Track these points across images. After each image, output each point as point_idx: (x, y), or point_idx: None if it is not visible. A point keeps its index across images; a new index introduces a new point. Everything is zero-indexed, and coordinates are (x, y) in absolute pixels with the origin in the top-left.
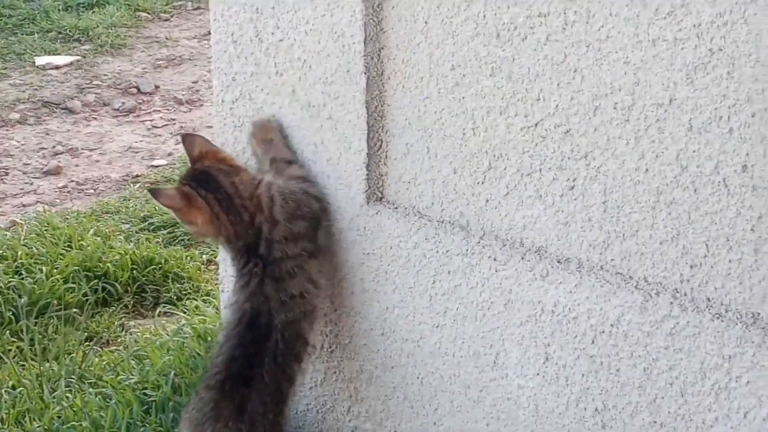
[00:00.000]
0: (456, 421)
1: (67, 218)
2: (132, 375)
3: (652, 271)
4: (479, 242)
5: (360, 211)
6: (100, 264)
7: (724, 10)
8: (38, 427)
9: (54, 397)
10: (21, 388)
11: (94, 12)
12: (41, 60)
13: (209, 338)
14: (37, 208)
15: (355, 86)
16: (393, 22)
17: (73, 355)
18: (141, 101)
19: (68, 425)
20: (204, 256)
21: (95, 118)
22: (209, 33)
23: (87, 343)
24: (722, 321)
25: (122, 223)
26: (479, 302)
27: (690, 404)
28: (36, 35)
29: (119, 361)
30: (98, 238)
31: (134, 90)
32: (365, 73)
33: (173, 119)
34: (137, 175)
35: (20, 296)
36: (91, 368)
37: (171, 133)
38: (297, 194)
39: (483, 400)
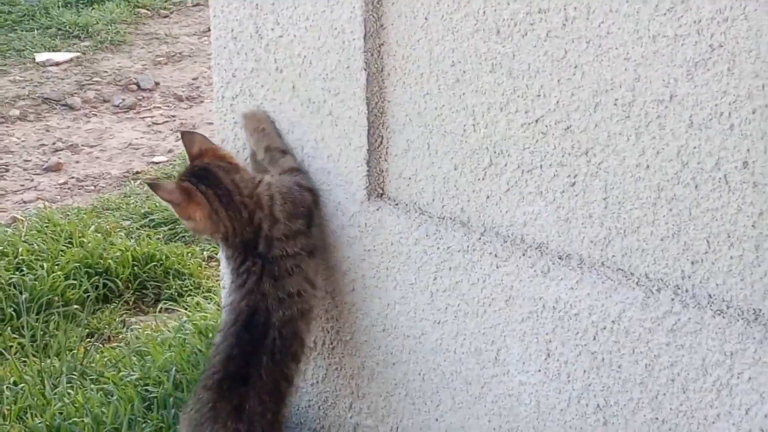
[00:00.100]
0: (457, 418)
1: (67, 215)
2: (133, 371)
3: (654, 268)
4: (480, 238)
5: (361, 208)
6: (101, 260)
7: (725, 6)
8: (40, 423)
9: (55, 394)
10: (22, 385)
11: (93, 8)
12: (41, 56)
13: (210, 335)
14: (38, 204)
15: (356, 82)
16: (393, 19)
17: (75, 351)
18: (141, 98)
19: (70, 421)
20: (205, 253)
21: (95, 115)
22: (209, 29)
23: (88, 340)
24: (724, 317)
25: (123, 219)
26: (480, 299)
27: (692, 401)
28: (36, 32)
29: (120, 357)
30: (99, 235)
31: (134, 87)
32: (365, 69)
33: (173, 116)
34: (138, 172)
35: (21, 293)
36: (93, 364)
37: (171, 130)
38: (294, 192)
39: (484, 397)
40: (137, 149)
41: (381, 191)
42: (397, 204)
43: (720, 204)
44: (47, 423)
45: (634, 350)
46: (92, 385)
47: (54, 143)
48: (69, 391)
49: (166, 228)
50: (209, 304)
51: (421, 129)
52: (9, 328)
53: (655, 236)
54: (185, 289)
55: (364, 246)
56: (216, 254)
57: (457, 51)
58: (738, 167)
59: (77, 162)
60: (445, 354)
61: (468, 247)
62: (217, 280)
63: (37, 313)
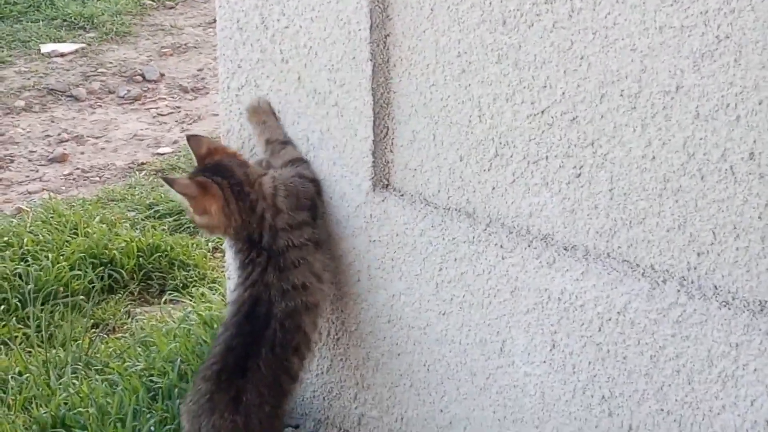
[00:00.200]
0: (462, 408)
1: (72, 205)
2: (138, 362)
3: (659, 259)
4: (486, 229)
5: (366, 199)
6: (106, 251)
7: None
8: (45, 413)
9: (60, 384)
10: (27, 375)
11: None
12: (46, 47)
13: (215, 325)
14: (43, 195)
15: (361, 73)
16: (399, 9)
17: (80, 341)
18: (146, 89)
19: (75, 411)
20: (210, 244)
21: (100, 106)
22: (214, 21)
23: (93, 330)
24: (729, 309)
25: (128, 210)
26: (486, 289)
27: (697, 392)
28: (41, 23)
29: (125, 347)
30: (104, 226)
31: (139, 78)
32: (371, 60)
33: (178, 107)
34: (143, 163)
35: (26, 283)
36: (98, 355)
37: (176, 121)
38: (296, 184)
39: (489, 388)
40: (142, 140)
41: (386, 182)
42: (402, 195)
43: (726, 195)
44: (52, 413)
45: (639, 341)
46: (97, 376)
47: (59, 134)
48: (74, 381)
49: (171, 219)
50: (214, 295)
51: (426, 120)
52: (14, 318)
53: (660, 227)
54: (190, 279)
55: (370, 237)
56: (221, 245)
57: (463, 42)
58: (744, 158)
59: (82, 153)
60: (450, 345)
61: (473, 238)
62: (222, 271)
63: (42, 304)
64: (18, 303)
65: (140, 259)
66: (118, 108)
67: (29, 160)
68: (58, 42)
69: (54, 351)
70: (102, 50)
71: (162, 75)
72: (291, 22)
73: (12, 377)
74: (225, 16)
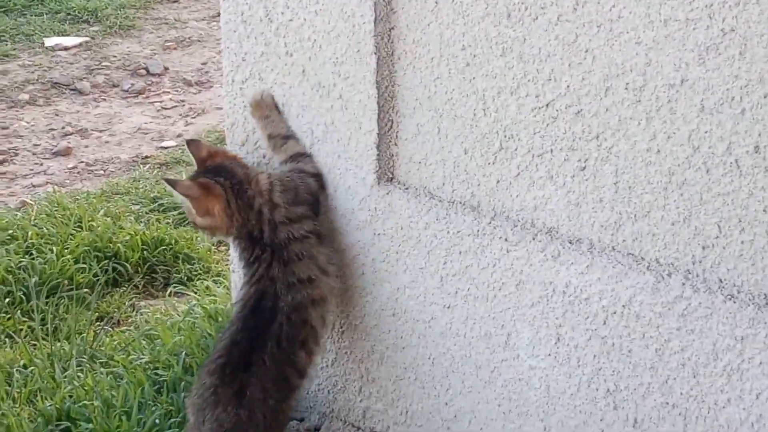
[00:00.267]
0: (467, 402)
1: (77, 199)
2: (143, 355)
3: (664, 252)
4: (490, 223)
5: (371, 192)
6: (111, 244)
7: None
8: (50, 406)
9: (65, 377)
10: (32, 368)
11: None
12: (50, 41)
13: (220, 318)
14: (47, 188)
15: (366, 66)
16: (403, 2)
17: (84, 334)
18: (150, 82)
19: (80, 404)
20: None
21: (104, 99)
22: (218, 14)
23: (98, 323)
24: (734, 302)
25: (132, 203)
26: (490, 283)
27: (702, 385)
28: (45, 16)
29: (130, 341)
30: (108, 219)
31: (143, 71)
32: (375, 53)
33: (182, 100)
34: (147, 156)
35: (31, 276)
36: (102, 348)
37: (180, 115)
38: (294, 179)
39: (494, 381)
40: (146, 134)
41: (391, 175)
42: (407, 188)
43: (731, 189)
44: (57, 406)
45: (644, 335)
46: (102, 369)
47: (63, 128)
48: (79, 374)
49: (175, 212)
50: (219, 288)
51: (431, 113)
52: (19, 311)
53: (665, 221)
54: (195, 273)
55: (374, 230)
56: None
57: (468, 35)
58: (749, 152)
59: (86, 146)
60: (455, 338)
61: (478, 231)
62: (226, 265)
63: (47, 297)
64: (23, 296)
65: (145, 252)
66: (122, 101)
67: (33, 154)
68: (62, 35)
69: (59, 344)
70: (106, 44)
71: (166, 68)
72: (295, 15)
73: (17, 370)
74: (229, 9)
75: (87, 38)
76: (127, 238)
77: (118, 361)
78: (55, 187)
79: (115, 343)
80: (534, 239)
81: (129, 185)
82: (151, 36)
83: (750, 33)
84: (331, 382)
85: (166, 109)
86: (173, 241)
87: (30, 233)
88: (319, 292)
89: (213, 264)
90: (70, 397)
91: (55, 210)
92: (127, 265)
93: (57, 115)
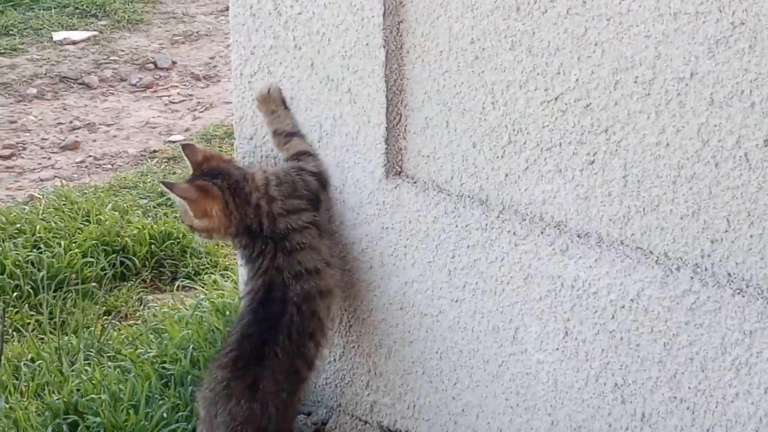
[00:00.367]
0: (475, 396)
1: (85, 193)
2: (150, 349)
3: (673, 246)
4: (499, 216)
5: (379, 186)
6: (118, 238)
7: None
8: (57, 399)
9: (73, 371)
10: (40, 361)
11: None
12: (58, 35)
13: (227, 312)
14: (55, 182)
15: (374, 60)
16: None
17: (92, 328)
18: (158, 77)
19: (87, 398)
20: None
21: (112, 94)
22: (226, 8)
23: (105, 317)
24: (743, 296)
25: (140, 197)
26: (498, 277)
27: (710, 379)
28: (53, 10)
29: (138, 334)
30: (116, 213)
31: (151, 65)
32: (384, 46)
33: (190, 95)
34: (155, 150)
35: (39, 270)
36: (110, 342)
37: (188, 109)
38: (292, 176)
39: (502, 375)
40: (154, 128)
41: (399, 169)
42: (415, 182)
43: (740, 182)
44: (65, 399)
45: (652, 329)
46: (109, 363)
47: (71, 122)
48: (86, 368)
49: None
50: (226, 282)
51: (440, 107)
52: (26, 305)
53: (674, 215)
54: (202, 267)
55: (382, 224)
56: None
57: (477, 28)
58: (759, 145)
59: (94, 141)
60: (462, 332)
61: (486, 225)
62: (233, 259)
63: (55, 291)
64: (30, 290)
65: (152, 246)
66: (130, 96)
67: (41, 148)
68: (70, 30)
69: (66, 338)
70: (114, 38)
71: (174, 63)
72: (304, 9)
73: (25, 364)
74: (238, 2)
75: (95, 32)
76: (135, 232)
77: (126, 355)
78: (63, 181)
79: (123, 337)
80: (542, 233)
81: (137, 179)
82: (159, 30)
83: (760, 26)
84: (339, 376)
85: (174, 103)
86: (181, 235)
87: (38, 227)
88: (325, 284)
89: (220, 258)
90: (78, 390)
91: (63, 204)
92: (135, 259)
93: (65, 109)
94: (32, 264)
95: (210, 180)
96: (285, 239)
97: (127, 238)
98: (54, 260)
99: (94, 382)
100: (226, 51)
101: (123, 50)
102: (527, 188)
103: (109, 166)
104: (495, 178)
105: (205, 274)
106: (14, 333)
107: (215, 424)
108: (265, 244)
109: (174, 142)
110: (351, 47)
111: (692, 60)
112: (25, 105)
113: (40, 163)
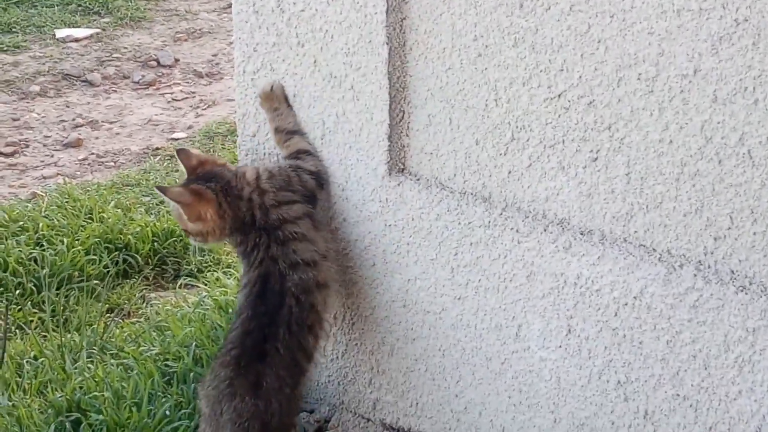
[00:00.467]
0: (478, 393)
1: (87, 190)
2: (153, 346)
3: (676, 244)
4: (502, 214)
5: (382, 183)
6: (121, 236)
7: None
8: (60, 397)
9: (75, 368)
10: (43, 359)
11: None
12: (61, 33)
13: (230, 310)
14: (58, 180)
15: (377, 57)
16: None
17: (95, 326)
18: (161, 74)
19: (90, 395)
20: None
21: (115, 91)
22: (229, 6)
23: (108, 315)
24: (746, 294)
25: (143, 195)
26: (501, 274)
27: (713, 377)
28: (56, 8)
29: (140, 332)
30: (119, 210)
31: (154, 63)
32: (387, 43)
33: (193, 92)
34: (157, 148)
35: (42, 267)
36: (113, 339)
37: (191, 106)
38: (286, 172)
39: (505, 373)
40: (157, 125)
41: (402, 166)
42: (418, 179)
43: (743, 179)
44: (67, 397)
45: (655, 326)
46: (112, 360)
47: (74, 119)
48: (89, 365)
49: None
50: (229, 279)
51: (443, 104)
52: (29, 302)
53: (677, 212)
54: (205, 264)
55: (385, 221)
56: None
57: (480, 25)
58: (762, 142)
59: (97, 138)
60: (465, 330)
61: (489, 222)
62: (236, 256)
63: (58, 288)
64: (33, 287)
65: (155, 243)
66: (132, 93)
67: (44, 145)
68: (73, 27)
69: (69, 335)
70: (117, 35)
71: (177, 60)
72: (307, 6)
73: (27, 361)
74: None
75: (98, 30)
76: (138, 229)
77: (129, 353)
78: (66, 178)
79: (126, 334)
80: (545, 230)
81: (139, 177)
82: (161, 27)
83: (764, 23)
84: (341, 374)
85: (176, 100)
86: (184, 233)
87: (41, 225)
88: (323, 276)
89: (223, 256)
90: (81, 388)
91: (66, 201)
92: (138, 257)
93: (68, 106)
94: (35, 261)
95: (204, 184)
96: (278, 229)
97: (129, 236)
98: (57, 258)
99: (96, 379)
100: (229, 48)
101: (126, 48)
102: (530, 185)
103: (112, 164)
104: (498, 176)
105: (208, 271)
106: (17, 330)
107: (221, 422)
108: (258, 236)
109: (177, 139)
110: (354, 44)
111: (696, 57)
112: (27, 102)
113: (42, 161)
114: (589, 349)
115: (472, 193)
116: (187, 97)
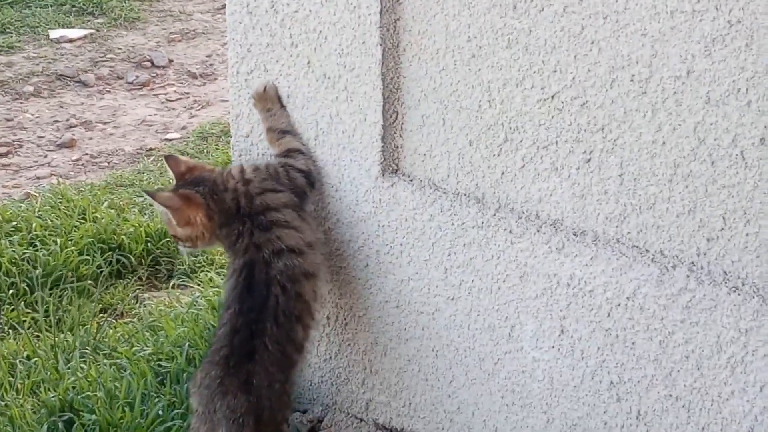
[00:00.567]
0: (470, 394)
1: (81, 191)
2: (146, 346)
3: (669, 244)
4: (495, 215)
5: (375, 184)
6: (115, 236)
7: None
8: (53, 397)
9: (69, 368)
10: (36, 359)
11: None
12: (55, 33)
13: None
14: (52, 180)
15: (371, 58)
16: None
17: (88, 326)
18: (155, 75)
19: (83, 395)
20: None
21: (109, 92)
22: (223, 6)
23: (101, 315)
24: (739, 294)
25: (136, 195)
26: (494, 275)
27: (706, 377)
28: (50, 8)
29: (133, 332)
30: (112, 211)
31: (148, 63)
32: (381, 44)
33: (187, 93)
34: (151, 149)
35: (35, 268)
36: (106, 339)
37: (185, 107)
38: (275, 167)
39: (498, 373)
40: (151, 126)
41: (396, 167)
42: (411, 180)
43: (736, 181)
44: (60, 397)
45: (648, 327)
46: (105, 360)
47: (68, 120)
48: (82, 365)
49: None
50: (222, 279)
51: (436, 105)
52: (22, 302)
53: (670, 213)
54: (198, 265)
55: (379, 222)
56: None
57: (474, 26)
58: (755, 144)
59: (91, 138)
60: (458, 330)
61: (482, 223)
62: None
63: (51, 288)
64: (26, 287)
65: (148, 244)
66: (126, 94)
67: (38, 146)
68: (67, 27)
69: (62, 335)
70: (111, 36)
71: (171, 61)
72: (301, 7)
73: (20, 361)
74: (235, 0)
75: (92, 30)
76: (131, 230)
77: (122, 353)
78: (60, 178)
79: (119, 334)
80: (538, 231)
81: (133, 177)
82: (156, 28)
83: (756, 24)
84: (334, 374)
85: (170, 101)
86: (172, 238)
87: (34, 225)
88: (309, 265)
89: (216, 256)
90: (74, 388)
91: (60, 202)
92: (131, 257)
93: (61, 107)
94: (28, 261)
95: (192, 189)
96: (261, 214)
97: (123, 236)
98: (50, 258)
99: (89, 379)
100: (223, 49)
101: (120, 48)
102: (523, 186)
103: (106, 164)
104: (491, 176)
105: (201, 271)
106: (10, 330)
107: (216, 420)
108: (242, 223)
109: (171, 140)
110: (347, 45)
111: (689, 58)
112: (21, 103)
113: (36, 161)
114: (582, 349)
115: (465, 194)
116: (180, 98)
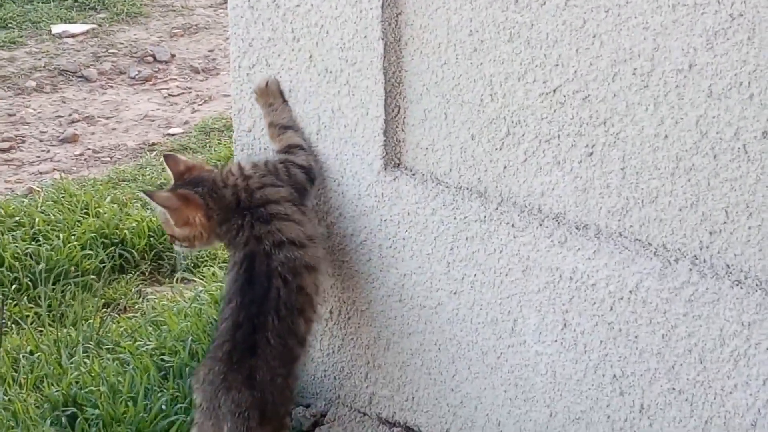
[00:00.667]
0: (473, 388)
1: (83, 186)
2: (149, 341)
3: (671, 238)
4: (497, 208)
5: (377, 178)
6: (117, 231)
7: None
8: (56, 392)
9: (72, 363)
10: (39, 354)
11: None
12: (57, 28)
13: None
14: (54, 175)
15: (373, 52)
16: None
17: (91, 321)
18: (157, 69)
19: (86, 390)
20: None
21: (111, 87)
22: (225, 1)
23: (104, 310)
24: (741, 288)
25: (139, 190)
26: (497, 269)
27: (709, 371)
28: (52, 3)
29: (137, 327)
30: (115, 206)
31: (150, 58)
32: (383, 38)
33: (189, 88)
34: (153, 143)
35: (38, 263)
36: (109, 334)
37: (187, 102)
38: (274, 163)
39: (501, 367)
40: (153, 121)
41: (398, 161)
42: (413, 174)
43: (739, 174)
44: (63, 392)
45: (651, 321)
46: (108, 355)
47: (70, 115)
48: (85, 360)
49: None
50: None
51: (438, 99)
52: (25, 297)
53: (673, 206)
54: (201, 259)
55: (381, 216)
56: None
57: (475, 20)
58: (757, 137)
59: (93, 133)
60: (461, 324)
61: (485, 217)
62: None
63: (54, 283)
64: (29, 282)
65: (151, 239)
66: (129, 88)
67: (40, 141)
68: (69, 23)
69: (65, 330)
70: (113, 31)
71: (173, 56)
72: (302, 1)
73: (23, 356)
74: None
75: (94, 25)
76: (134, 224)
77: (125, 348)
78: (62, 173)
79: (122, 329)
80: (541, 225)
81: (136, 172)
82: (158, 23)
83: (759, 18)
84: (338, 368)
85: (172, 96)
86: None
87: (37, 220)
88: (310, 258)
89: (219, 250)
90: (77, 383)
91: (62, 197)
92: (134, 252)
93: (64, 102)
94: (31, 257)
95: (191, 189)
96: (261, 207)
97: (126, 231)
98: (53, 253)
99: (92, 374)
100: (225, 44)
101: (122, 43)
102: (526, 180)
103: (108, 159)
104: (493, 170)
105: (204, 266)
106: (13, 325)
107: (220, 414)
108: (242, 216)
109: (173, 135)
110: (349, 39)
111: (691, 51)
112: (24, 98)
113: (39, 156)
114: (585, 343)
115: (467, 188)
116: (183, 93)
